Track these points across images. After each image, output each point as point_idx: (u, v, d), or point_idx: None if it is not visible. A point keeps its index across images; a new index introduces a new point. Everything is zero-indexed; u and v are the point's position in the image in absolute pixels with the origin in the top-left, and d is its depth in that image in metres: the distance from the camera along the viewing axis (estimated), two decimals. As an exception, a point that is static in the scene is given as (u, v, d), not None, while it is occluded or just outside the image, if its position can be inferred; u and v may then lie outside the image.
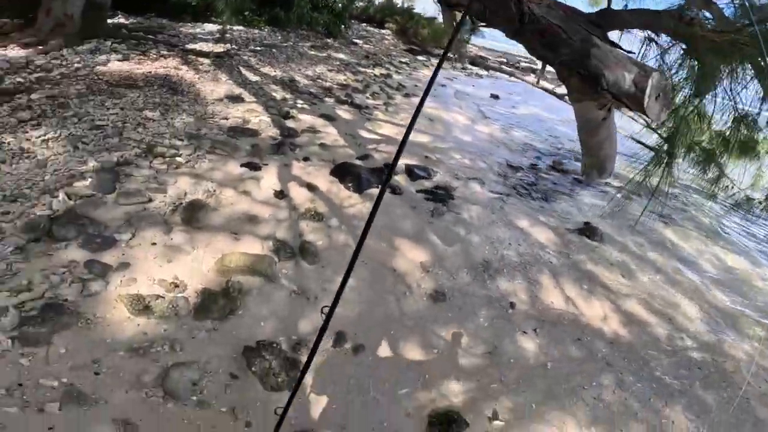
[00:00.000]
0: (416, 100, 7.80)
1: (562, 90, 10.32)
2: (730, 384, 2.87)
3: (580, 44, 1.46)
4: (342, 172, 4.19)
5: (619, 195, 5.74)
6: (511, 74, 14.34)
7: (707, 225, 5.55)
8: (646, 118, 1.42)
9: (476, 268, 3.35)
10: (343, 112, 5.91)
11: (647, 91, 1.33)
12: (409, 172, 4.60)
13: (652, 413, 2.52)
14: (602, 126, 1.60)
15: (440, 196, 4.26)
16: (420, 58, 12.68)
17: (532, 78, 14.15)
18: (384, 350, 2.50)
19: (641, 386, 2.66)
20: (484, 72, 13.82)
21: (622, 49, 1.53)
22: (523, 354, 2.67)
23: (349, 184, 4.04)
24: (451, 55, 13.21)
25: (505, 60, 17.29)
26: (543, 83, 12.73)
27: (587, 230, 4.37)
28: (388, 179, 1.35)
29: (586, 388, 2.54)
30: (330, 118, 5.51)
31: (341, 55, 9.55)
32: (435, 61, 13.27)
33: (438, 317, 2.81)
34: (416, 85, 9.01)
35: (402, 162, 4.78)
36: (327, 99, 6.32)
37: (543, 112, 10.28)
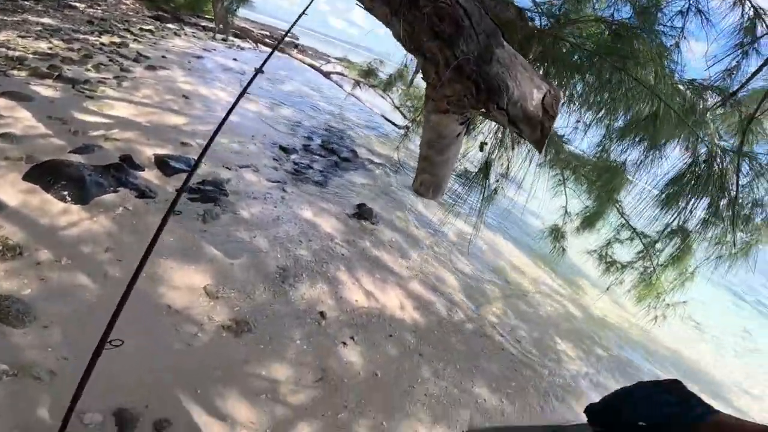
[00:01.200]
0: (165, 73, 6.33)
1: (328, 68, 10.31)
2: (499, 351, 3.18)
3: (486, 41, 0.98)
4: (48, 174, 2.81)
5: (378, 171, 6.00)
6: (280, 49, 13.59)
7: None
8: (532, 146, 1.06)
9: (274, 280, 2.79)
10: (45, 89, 4.13)
11: (556, 118, 1.01)
12: (162, 164, 3.50)
13: (467, 395, 2.59)
14: (455, 143, 1.22)
15: (210, 193, 3.38)
16: (171, 26, 10.69)
17: (295, 53, 13.79)
18: (199, 417, 1.75)
19: (450, 371, 2.72)
20: (247, 45, 12.72)
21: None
22: (353, 369, 2.39)
23: (65, 192, 2.75)
24: (214, 26, 11.59)
25: (268, 33, 16.39)
26: (307, 58, 12.53)
27: (364, 213, 4.32)
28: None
29: (414, 387, 2.46)
30: (21, 97, 3.74)
31: (46, 20, 6.98)
32: (189, 30, 11.42)
33: (249, 354, 2.18)
34: (164, 56, 7.38)
35: (150, 152, 3.62)
36: (15, 72, 4.32)
37: (306, 88, 10.20)
